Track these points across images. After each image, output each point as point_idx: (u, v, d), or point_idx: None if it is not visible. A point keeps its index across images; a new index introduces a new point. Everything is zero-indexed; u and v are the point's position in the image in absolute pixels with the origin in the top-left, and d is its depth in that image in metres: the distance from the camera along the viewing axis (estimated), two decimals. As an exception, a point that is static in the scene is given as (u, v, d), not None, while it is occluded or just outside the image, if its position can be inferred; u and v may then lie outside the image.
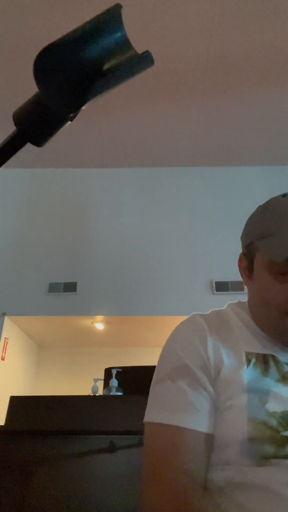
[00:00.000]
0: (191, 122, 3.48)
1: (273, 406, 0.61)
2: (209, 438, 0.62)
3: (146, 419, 0.66)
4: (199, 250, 3.58)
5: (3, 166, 0.43)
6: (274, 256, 0.66)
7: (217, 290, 3.36)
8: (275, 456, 0.57)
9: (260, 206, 0.78)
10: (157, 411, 0.65)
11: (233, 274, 3.43)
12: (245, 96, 3.20)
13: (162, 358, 0.72)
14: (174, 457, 0.60)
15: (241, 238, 0.80)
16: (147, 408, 0.67)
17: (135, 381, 2.05)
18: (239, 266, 0.80)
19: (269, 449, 0.57)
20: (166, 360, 0.71)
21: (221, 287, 3.37)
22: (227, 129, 3.56)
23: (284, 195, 0.74)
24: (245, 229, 0.79)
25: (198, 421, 0.62)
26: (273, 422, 0.59)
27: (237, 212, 3.40)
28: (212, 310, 0.79)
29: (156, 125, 3.52)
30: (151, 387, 0.70)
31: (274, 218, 0.70)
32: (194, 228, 3.73)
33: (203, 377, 0.65)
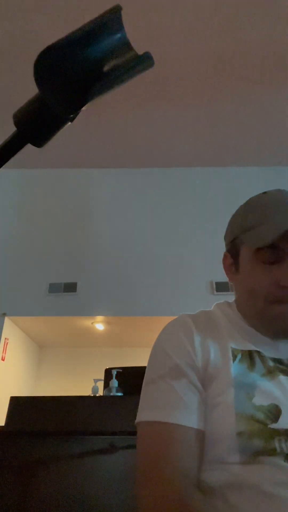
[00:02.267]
0: (191, 122, 3.48)
1: (260, 400, 0.62)
2: (201, 435, 0.62)
3: (138, 419, 0.66)
4: (199, 250, 3.58)
5: (3, 166, 0.43)
6: (258, 244, 0.69)
7: (217, 291, 3.36)
8: (264, 451, 0.57)
9: (241, 205, 0.83)
10: (148, 410, 0.66)
11: (233, 274, 3.42)
12: (244, 97, 3.20)
13: (151, 359, 0.73)
14: (167, 455, 0.60)
15: (225, 237, 0.83)
16: (138, 410, 0.68)
17: (135, 382, 2.04)
18: (224, 264, 0.82)
19: (258, 443, 0.58)
20: (156, 360, 0.72)
21: (221, 287, 3.37)
22: (227, 130, 3.56)
23: (264, 193, 0.78)
24: (228, 228, 0.83)
25: (190, 418, 0.62)
26: (260, 416, 0.60)
27: (237, 213, 3.39)
28: (200, 310, 0.81)
29: (156, 126, 3.53)
30: (142, 388, 0.70)
31: (255, 212, 0.74)
32: (194, 228, 3.73)
33: (192, 375, 0.66)
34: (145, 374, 0.72)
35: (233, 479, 0.58)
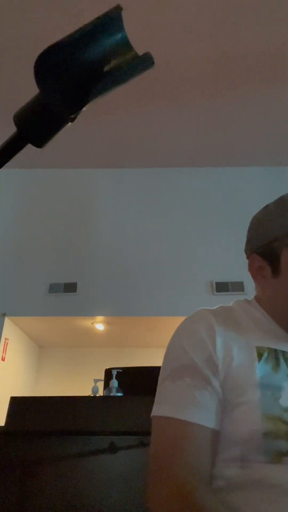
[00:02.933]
0: (191, 123, 3.48)
1: (286, 402, 0.61)
2: (215, 434, 0.62)
3: (153, 413, 0.66)
4: (199, 250, 3.58)
5: (3, 166, 0.43)
6: None
7: (217, 291, 3.36)
8: None
9: (269, 205, 0.78)
10: (164, 405, 0.65)
11: (233, 274, 3.44)
12: (245, 97, 3.20)
13: (168, 353, 0.72)
14: (180, 452, 0.60)
15: (251, 239, 0.80)
16: (154, 403, 0.67)
17: (135, 382, 2.05)
18: (251, 266, 0.79)
19: (284, 444, 0.57)
20: (174, 356, 0.70)
21: (221, 287, 3.37)
22: (228, 130, 3.57)
23: None
24: (257, 229, 0.78)
25: (205, 417, 0.62)
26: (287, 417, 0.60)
27: (237, 213, 3.41)
28: (219, 305, 0.78)
29: (156, 126, 3.53)
30: (158, 384, 0.70)
31: None
32: (195, 228, 3.73)
33: (210, 374, 0.65)
34: (162, 369, 0.71)
35: (255, 477, 0.58)
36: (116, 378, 2.07)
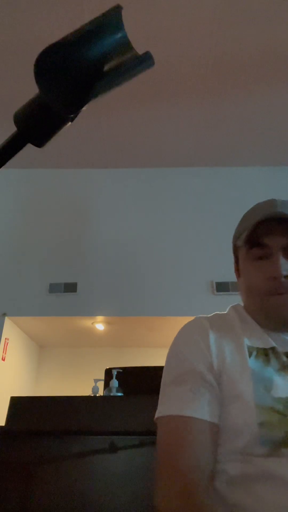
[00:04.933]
0: (191, 122, 3.48)
1: (278, 393, 0.65)
2: (214, 427, 0.66)
3: (157, 415, 0.70)
4: (199, 250, 3.58)
5: (3, 166, 0.43)
6: (240, 243, 0.78)
7: (217, 291, 3.36)
8: (286, 443, 0.60)
9: None
10: (167, 406, 0.69)
11: (234, 274, 3.42)
12: (245, 96, 3.20)
13: (168, 361, 0.77)
14: (182, 447, 0.63)
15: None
16: (158, 406, 0.71)
17: (135, 382, 2.05)
18: (235, 271, 0.91)
19: (279, 433, 0.60)
20: (172, 363, 0.76)
21: (222, 287, 3.37)
22: (227, 129, 3.56)
23: (257, 203, 0.86)
24: (232, 240, 0.91)
25: (203, 411, 0.66)
26: (280, 407, 0.63)
27: (237, 213, 3.39)
28: (215, 313, 0.85)
29: (156, 126, 3.53)
30: (161, 389, 0.74)
31: (245, 219, 0.84)
32: (194, 228, 3.73)
33: (208, 374, 0.70)
34: (164, 375, 0.75)
35: (256, 470, 0.60)
36: (116, 378, 2.07)
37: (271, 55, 2.82)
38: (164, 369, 0.76)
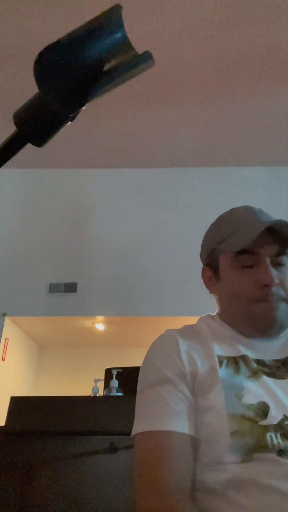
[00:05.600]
0: (191, 122, 3.48)
1: (248, 399, 0.65)
2: (193, 441, 0.65)
3: (133, 432, 0.69)
4: (199, 250, 3.58)
5: (3, 166, 0.43)
6: (237, 248, 0.77)
7: (217, 291, 3.36)
8: (258, 449, 0.60)
9: (212, 223, 0.93)
10: (142, 422, 0.69)
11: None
12: (245, 96, 3.20)
13: (141, 371, 0.78)
14: (161, 463, 0.63)
15: (201, 254, 0.93)
16: (134, 423, 0.71)
17: (135, 382, 2.05)
18: (203, 278, 0.92)
19: (251, 441, 0.60)
20: (145, 372, 0.76)
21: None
22: (228, 129, 3.56)
23: (232, 209, 0.89)
24: (203, 244, 0.93)
25: (181, 424, 0.65)
26: (251, 414, 0.63)
27: (238, 213, 3.39)
28: (185, 325, 0.86)
29: (156, 126, 3.53)
30: (136, 401, 0.75)
31: (227, 224, 0.84)
32: (195, 228, 3.72)
33: (181, 383, 0.70)
34: (137, 387, 0.76)
35: (232, 478, 0.60)
36: (116, 378, 2.07)
37: (271, 55, 2.82)
38: (138, 382, 0.77)
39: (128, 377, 2.10)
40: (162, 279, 3.48)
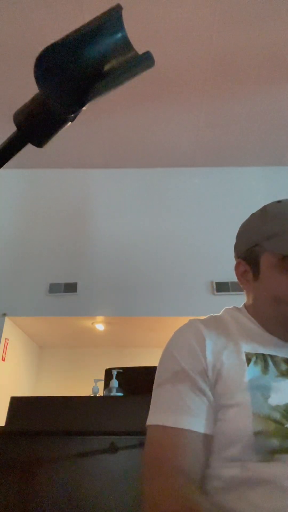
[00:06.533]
0: (191, 122, 3.48)
1: (276, 400, 0.64)
2: (207, 439, 0.65)
3: (148, 422, 0.69)
4: (199, 250, 3.58)
5: (3, 166, 0.43)
6: (285, 251, 0.71)
7: (217, 291, 3.36)
8: (280, 450, 0.59)
9: (254, 214, 0.83)
10: (158, 414, 0.68)
11: (234, 274, 3.41)
12: (245, 96, 3.20)
13: (161, 363, 0.75)
14: (172, 457, 0.63)
15: (237, 245, 0.85)
16: (149, 412, 0.70)
17: (135, 382, 2.05)
18: (237, 271, 0.84)
19: (275, 442, 0.60)
20: (165, 365, 0.74)
21: (222, 287, 3.36)
22: (227, 129, 3.56)
23: (279, 201, 0.80)
24: (242, 236, 0.84)
25: (196, 423, 0.65)
26: (277, 416, 0.62)
27: (237, 213, 3.39)
28: (209, 315, 0.82)
29: (156, 126, 3.53)
30: (153, 391, 0.73)
31: (276, 220, 0.76)
32: (194, 228, 3.73)
33: (201, 380, 0.68)
34: (156, 377, 0.74)
35: (250, 476, 0.60)
36: (116, 378, 2.07)
37: (271, 55, 2.82)
38: (156, 371, 0.75)
39: (128, 377, 2.10)
40: (162, 279, 3.48)
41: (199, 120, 3.45)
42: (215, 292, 3.37)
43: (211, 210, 3.80)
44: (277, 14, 2.54)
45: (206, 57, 2.83)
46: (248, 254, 0.80)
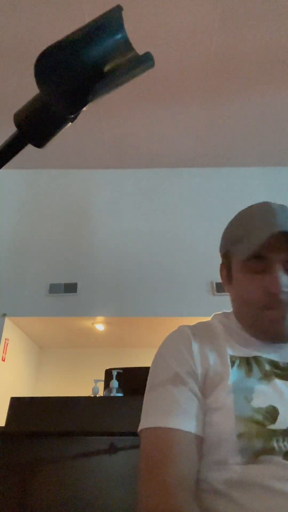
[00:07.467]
0: (191, 123, 3.48)
1: (258, 403, 0.65)
2: (199, 439, 0.65)
3: (141, 427, 0.69)
4: (199, 251, 3.58)
5: (4, 167, 0.43)
6: (243, 256, 0.74)
7: (217, 291, 3.36)
8: (264, 451, 0.60)
9: (231, 220, 0.87)
10: (148, 417, 0.69)
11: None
12: (245, 96, 3.20)
13: (153, 367, 0.77)
14: (166, 459, 0.63)
15: (219, 250, 0.88)
16: (141, 417, 0.70)
17: (135, 382, 2.05)
18: (221, 276, 0.88)
19: (258, 444, 0.60)
20: (156, 369, 0.75)
21: (222, 288, 3.36)
22: (227, 130, 3.57)
23: (251, 206, 0.82)
24: (221, 241, 0.87)
25: (188, 423, 0.65)
26: (259, 417, 0.63)
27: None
28: (198, 322, 0.84)
29: (156, 126, 3.53)
30: (144, 396, 0.73)
31: (240, 225, 0.80)
32: (194, 228, 3.73)
33: (192, 382, 0.69)
34: (147, 384, 0.75)
35: (236, 478, 0.60)
36: (116, 378, 2.07)
37: (271, 55, 2.82)
38: (148, 376, 0.76)
39: (128, 378, 2.10)
40: (162, 279, 3.48)
41: (199, 120, 3.45)
42: (215, 293, 3.37)
43: (211, 210, 3.80)
44: (277, 14, 2.54)
45: (206, 57, 2.83)
46: (224, 259, 0.84)
